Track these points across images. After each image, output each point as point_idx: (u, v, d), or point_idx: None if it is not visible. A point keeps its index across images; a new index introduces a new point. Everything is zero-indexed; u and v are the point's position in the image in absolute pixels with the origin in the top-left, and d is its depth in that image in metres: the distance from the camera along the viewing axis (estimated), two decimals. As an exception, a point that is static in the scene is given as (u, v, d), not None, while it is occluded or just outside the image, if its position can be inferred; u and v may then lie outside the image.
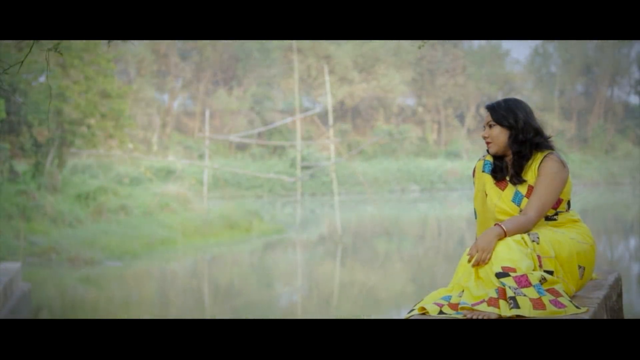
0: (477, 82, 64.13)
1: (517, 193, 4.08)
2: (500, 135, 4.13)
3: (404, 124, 65.48)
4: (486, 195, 4.21)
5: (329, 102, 29.58)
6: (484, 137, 4.22)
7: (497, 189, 4.15)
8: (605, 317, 4.01)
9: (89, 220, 19.67)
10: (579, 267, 3.98)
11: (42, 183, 20.34)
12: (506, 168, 4.17)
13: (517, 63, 66.30)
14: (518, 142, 4.10)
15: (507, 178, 4.14)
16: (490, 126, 4.19)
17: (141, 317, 12.05)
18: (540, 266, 3.80)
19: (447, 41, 63.49)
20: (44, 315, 12.55)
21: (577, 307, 3.68)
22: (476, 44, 64.66)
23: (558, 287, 3.73)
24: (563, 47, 61.71)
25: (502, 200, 4.11)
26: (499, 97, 66.08)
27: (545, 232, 3.94)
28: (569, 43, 60.87)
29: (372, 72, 66.55)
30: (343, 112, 65.71)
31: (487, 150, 4.26)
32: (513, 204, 4.06)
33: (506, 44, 64.61)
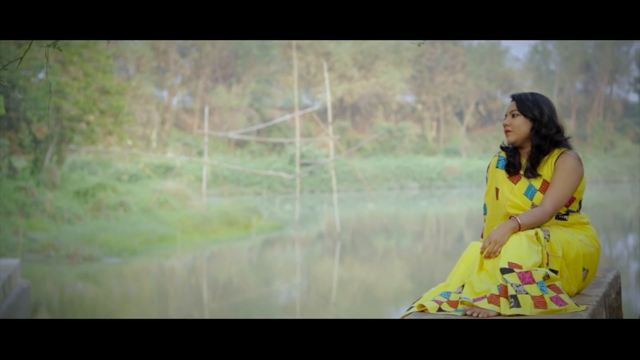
0: (476, 80, 64.13)
1: (530, 187, 4.08)
2: (522, 125, 4.13)
3: (403, 121, 65.47)
4: (498, 190, 4.20)
5: (328, 99, 29.56)
6: (505, 125, 4.21)
7: (509, 183, 4.15)
8: (604, 315, 4.02)
9: (87, 217, 19.66)
10: (584, 269, 3.98)
11: (41, 179, 20.33)
12: (520, 163, 4.17)
13: (516, 61, 66.32)
14: (540, 136, 4.10)
15: (521, 172, 4.14)
16: (513, 115, 4.18)
17: (140, 314, 12.06)
18: (547, 264, 3.80)
19: (452, 40, 63.48)
20: (43, 311, 12.54)
21: (577, 305, 3.68)
22: (475, 41, 64.70)
23: (558, 283, 3.73)
24: (562, 45, 61.74)
25: (513, 193, 4.10)
26: (498, 95, 66.12)
27: (556, 231, 3.94)
28: (569, 42, 60.87)
29: (371, 70, 66.55)
30: (342, 109, 65.72)
31: (501, 146, 4.26)
32: (525, 197, 4.06)
33: (505, 42, 64.58)
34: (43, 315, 12.05)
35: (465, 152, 62.81)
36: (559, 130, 4.16)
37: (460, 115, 64.95)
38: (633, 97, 62.89)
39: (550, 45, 62.58)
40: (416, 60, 64.15)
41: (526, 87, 63.62)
